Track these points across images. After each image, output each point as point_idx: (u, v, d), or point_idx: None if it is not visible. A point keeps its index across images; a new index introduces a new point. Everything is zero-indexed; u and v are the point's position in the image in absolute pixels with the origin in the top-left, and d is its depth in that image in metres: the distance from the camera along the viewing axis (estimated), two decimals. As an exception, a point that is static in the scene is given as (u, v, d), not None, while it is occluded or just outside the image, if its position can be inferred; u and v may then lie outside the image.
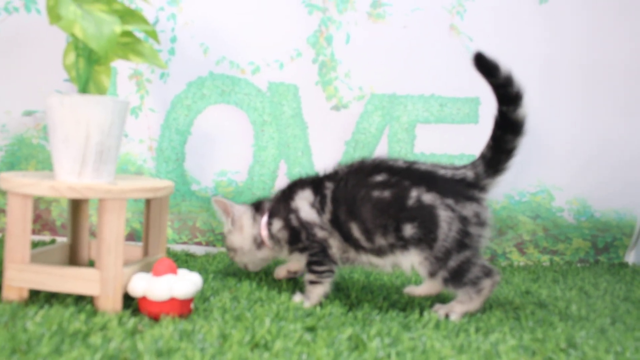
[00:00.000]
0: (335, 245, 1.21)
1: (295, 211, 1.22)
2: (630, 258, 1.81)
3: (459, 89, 1.70)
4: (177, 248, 1.64)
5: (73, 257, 1.32)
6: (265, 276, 1.41)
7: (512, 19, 1.71)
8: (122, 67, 1.60)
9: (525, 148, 1.71)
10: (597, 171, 1.76)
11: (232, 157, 1.65)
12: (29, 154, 1.60)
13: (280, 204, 1.25)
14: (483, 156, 1.19)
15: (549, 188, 1.75)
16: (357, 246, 1.19)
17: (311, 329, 1.03)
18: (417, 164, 1.19)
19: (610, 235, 1.77)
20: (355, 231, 1.17)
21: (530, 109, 1.73)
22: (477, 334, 1.05)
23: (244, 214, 1.31)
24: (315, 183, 1.24)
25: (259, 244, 1.29)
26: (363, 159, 1.23)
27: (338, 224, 1.19)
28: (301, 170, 1.65)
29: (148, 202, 1.25)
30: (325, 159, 1.64)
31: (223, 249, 1.67)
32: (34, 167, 1.60)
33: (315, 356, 0.89)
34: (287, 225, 1.23)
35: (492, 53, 1.69)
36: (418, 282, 1.43)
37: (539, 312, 1.23)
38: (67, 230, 1.32)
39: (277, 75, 1.65)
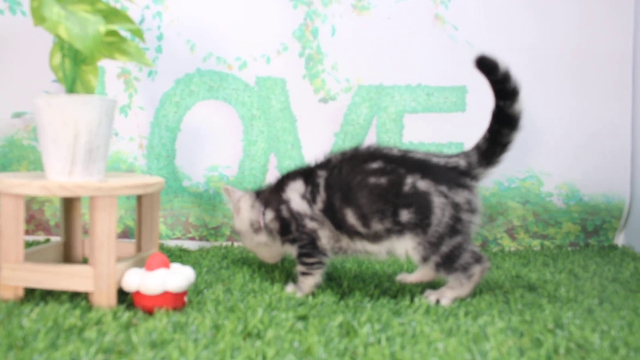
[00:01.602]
0: (324, 236, 1.22)
1: (286, 202, 1.24)
2: (620, 240, 1.84)
3: (445, 78, 1.71)
4: (171, 244, 1.66)
5: (67, 256, 1.33)
6: (258, 269, 1.42)
7: (497, 7, 1.73)
8: (109, 66, 1.61)
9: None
10: (585, 156, 1.78)
11: (223, 152, 1.66)
12: (20, 155, 1.61)
13: (272, 195, 1.27)
14: (478, 147, 1.21)
15: (538, 174, 1.77)
16: (352, 233, 1.20)
17: (303, 318, 1.05)
18: (411, 153, 1.22)
19: (599, 219, 1.80)
20: (351, 217, 1.19)
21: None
22: (466, 318, 1.07)
23: (242, 197, 1.33)
24: (306, 174, 1.25)
25: (256, 229, 1.30)
26: (357, 146, 1.24)
27: (332, 212, 1.20)
28: (291, 163, 1.67)
29: (139, 198, 1.26)
30: (315, 151, 1.65)
31: (216, 244, 1.69)
32: (25, 168, 1.61)
33: (306, 343, 0.91)
34: (278, 216, 1.25)
35: (478, 41, 1.72)
36: (410, 270, 1.45)
37: (528, 295, 1.25)
38: (60, 229, 1.33)
39: (265, 70, 1.66)
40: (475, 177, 1.20)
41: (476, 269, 1.19)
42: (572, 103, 1.78)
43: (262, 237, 1.30)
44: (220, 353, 0.86)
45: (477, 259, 1.20)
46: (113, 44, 1.15)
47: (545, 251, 1.75)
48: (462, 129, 1.72)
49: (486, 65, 1.18)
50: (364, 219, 1.18)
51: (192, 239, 1.68)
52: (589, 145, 1.78)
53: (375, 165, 1.19)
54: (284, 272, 1.40)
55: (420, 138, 1.71)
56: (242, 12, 1.64)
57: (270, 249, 1.33)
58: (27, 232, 1.64)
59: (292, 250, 1.26)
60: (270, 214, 1.26)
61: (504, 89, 1.18)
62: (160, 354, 0.85)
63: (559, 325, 1.04)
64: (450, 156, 1.22)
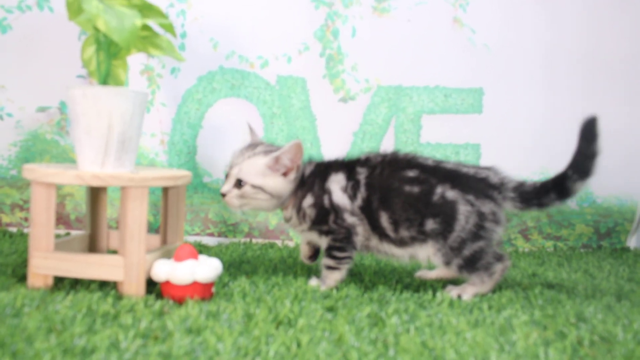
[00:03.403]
0: (361, 232, 1.23)
1: (329, 193, 1.23)
2: (632, 243, 1.86)
3: (463, 80, 1.74)
4: (190, 239, 1.68)
5: (92, 247, 1.35)
6: (279, 263, 1.44)
7: (514, 10, 1.75)
8: (133, 62, 1.63)
9: (528, 136, 1.77)
10: (599, 158, 1.80)
11: (243, 149, 1.68)
12: (43, 149, 1.63)
13: (316, 181, 1.25)
14: (521, 185, 1.24)
15: (552, 175, 1.78)
16: (382, 235, 1.22)
17: (331, 309, 1.07)
18: (443, 163, 1.25)
19: (612, 221, 1.82)
20: (384, 220, 1.21)
21: (531, 98, 1.78)
22: (490, 311, 1.09)
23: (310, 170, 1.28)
24: (348, 167, 1.25)
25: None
26: (395, 152, 1.27)
27: (369, 211, 1.22)
28: (310, 162, 1.69)
29: (166, 192, 1.28)
30: (333, 150, 1.68)
31: (235, 240, 1.70)
32: (48, 161, 1.63)
33: (337, 332, 0.92)
34: (318, 203, 1.24)
35: (495, 45, 1.75)
36: (429, 267, 1.47)
37: (547, 292, 1.27)
38: (86, 221, 1.35)
39: (286, 69, 1.68)
40: (504, 195, 1.22)
41: (498, 267, 1.22)
42: (585, 106, 1.79)
43: (273, 202, 1.25)
44: (256, 339, 0.87)
45: (499, 258, 1.23)
46: (147, 38, 1.17)
47: (559, 252, 1.77)
48: (478, 130, 1.74)
49: (589, 131, 1.21)
50: (395, 225, 1.21)
51: (211, 234, 1.70)
52: (603, 148, 1.80)
53: (411, 173, 1.21)
54: (305, 267, 1.41)
55: (438, 139, 1.74)
56: (264, 11, 1.67)
57: (259, 208, 1.27)
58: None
59: (318, 241, 1.27)
60: (310, 199, 1.24)
61: (583, 163, 1.21)
62: (197, 339, 0.86)
63: (582, 319, 1.06)
64: (483, 168, 1.25)
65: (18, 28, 1.59)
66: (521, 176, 1.75)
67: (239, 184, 1.22)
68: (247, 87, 1.67)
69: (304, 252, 1.36)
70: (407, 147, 1.72)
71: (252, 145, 1.27)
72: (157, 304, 1.02)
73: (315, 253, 1.36)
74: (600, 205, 1.81)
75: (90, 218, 1.35)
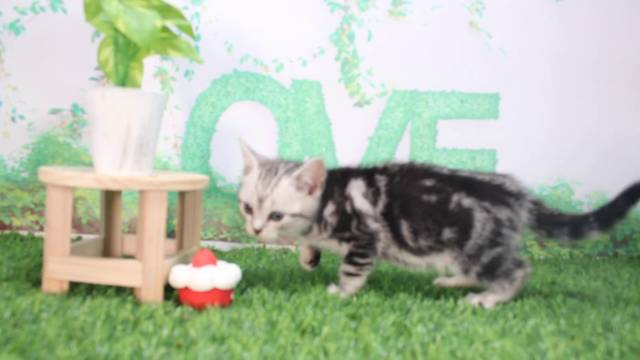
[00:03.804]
0: (383, 239, 1.21)
1: (350, 199, 1.21)
2: (648, 251, 1.83)
3: (479, 85, 1.72)
4: (203, 244, 1.65)
5: (107, 252, 1.33)
6: (296, 270, 1.42)
7: (530, 16, 1.74)
8: (147, 65, 1.60)
9: (544, 143, 1.75)
10: (614, 165, 1.78)
11: (257, 153, 1.66)
12: (55, 151, 1.61)
13: (334, 188, 1.21)
14: (540, 202, 1.23)
15: (569, 182, 1.77)
16: (402, 243, 1.21)
17: (353, 317, 1.05)
18: (458, 171, 1.24)
19: (629, 229, 1.80)
20: (405, 229, 1.20)
21: (547, 104, 1.76)
22: (516, 320, 1.07)
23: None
24: (367, 174, 1.23)
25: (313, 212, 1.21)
26: (412, 161, 1.26)
27: (391, 218, 1.20)
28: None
29: (182, 196, 1.26)
30: (348, 154, 1.66)
31: (248, 245, 1.68)
32: (60, 164, 1.61)
33: (363, 341, 0.90)
34: (340, 210, 1.21)
35: (511, 49, 1.73)
36: (449, 273, 1.45)
37: (570, 300, 1.25)
38: (101, 225, 1.33)
39: (301, 73, 1.67)
40: (520, 203, 1.21)
41: (518, 274, 1.20)
42: (600, 111, 1.78)
43: (308, 223, 1.21)
44: (282, 348, 0.85)
45: (519, 264, 1.21)
46: (166, 40, 1.15)
47: (575, 260, 1.75)
48: (494, 135, 1.72)
49: (636, 193, 1.20)
50: (415, 234, 1.20)
51: (225, 240, 1.68)
52: (618, 153, 1.79)
53: (429, 182, 1.20)
54: (321, 274, 1.39)
55: (454, 144, 1.72)
56: (279, 14, 1.65)
57: (295, 233, 1.23)
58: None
59: (337, 249, 1.24)
60: (331, 207, 1.21)
61: (609, 216, 1.21)
62: (222, 348, 0.84)
63: (609, 329, 1.04)
64: (496, 175, 1.25)
65: (31, 30, 1.57)
66: (537, 182, 1.75)
67: (275, 216, 1.16)
68: (262, 90, 1.66)
69: (305, 256, 1.33)
70: (422, 153, 1.70)
71: (271, 169, 1.18)
72: (177, 311, 1.00)
73: (315, 258, 1.33)
74: (616, 213, 1.78)
75: (104, 222, 1.33)
